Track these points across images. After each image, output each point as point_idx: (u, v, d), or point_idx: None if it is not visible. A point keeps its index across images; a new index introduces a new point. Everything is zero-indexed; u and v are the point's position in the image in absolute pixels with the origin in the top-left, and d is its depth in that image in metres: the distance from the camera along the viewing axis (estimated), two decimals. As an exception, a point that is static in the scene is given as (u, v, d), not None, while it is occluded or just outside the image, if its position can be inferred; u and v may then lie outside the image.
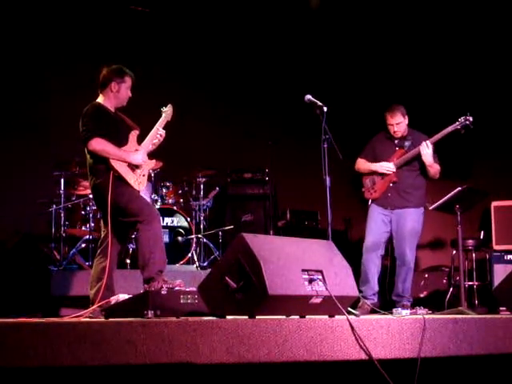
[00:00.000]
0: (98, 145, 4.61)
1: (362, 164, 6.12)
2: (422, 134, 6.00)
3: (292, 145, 8.29)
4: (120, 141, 4.75)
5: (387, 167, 5.93)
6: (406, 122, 5.99)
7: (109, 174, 4.60)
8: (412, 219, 5.89)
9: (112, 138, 4.67)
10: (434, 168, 5.87)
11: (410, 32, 8.21)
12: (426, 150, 5.75)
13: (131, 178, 4.71)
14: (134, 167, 4.76)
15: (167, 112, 5.08)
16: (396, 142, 6.03)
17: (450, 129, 5.77)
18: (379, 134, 6.15)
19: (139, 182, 4.78)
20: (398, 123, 5.93)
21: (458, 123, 5.75)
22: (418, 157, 5.87)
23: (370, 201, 6.05)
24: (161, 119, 5.04)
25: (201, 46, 8.28)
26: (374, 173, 6.04)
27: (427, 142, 5.76)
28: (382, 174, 5.98)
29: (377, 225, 5.94)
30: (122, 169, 4.66)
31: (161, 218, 4.92)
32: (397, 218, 5.91)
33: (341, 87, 8.30)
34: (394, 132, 5.98)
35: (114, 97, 4.83)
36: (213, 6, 8.28)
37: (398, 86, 8.15)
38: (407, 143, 5.98)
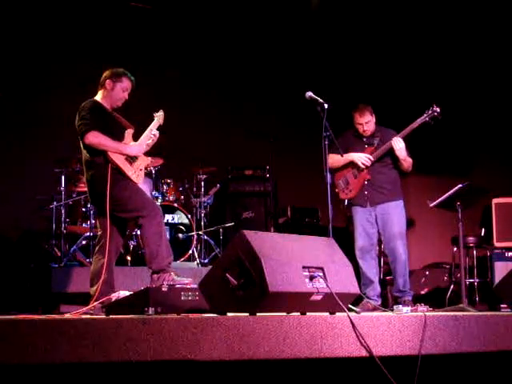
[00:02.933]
0: (95, 138, 4.62)
1: (336, 158, 5.81)
2: (389, 129, 5.98)
3: (293, 142, 8.29)
4: (115, 137, 4.76)
5: (366, 159, 5.82)
6: (374, 120, 5.96)
7: (107, 166, 4.63)
8: (396, 213, 5.84)
9: (108, 133, 4.69)
10: (407, 162, 5.84)
11: (411, 29, 8.21)
12: (399, 145, 5.72)
13: (129, 170, 4.73)
14: (131, 160, 4.78)
15: (159, 116, 5.10)
16: (365, 139, 5.98)
17: (418, 121, 5.73)
18: (346, 132, 6.09)
19: (137, 175, 4.79)
20: (367, 122, 5.90)
21: (425, 115, 5.71)
22: (389, 152, 5.84)
23: (346, 201, 6.01)
24: (153, 122, 5.06)
25: (202, 43, 8.28)
26: (346, 172, 5.97)
27: (398, 138, 5.74)
28: (355, 172, 5.91)
29: (364, 227, 5.87)
30: (120, 161, 4.68)
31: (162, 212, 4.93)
32: (381, 215, 5.85)
33: (342, 84, 8.30)
34: (364, 131, 5.94)
35: (108, 95, 4.86)
36: (214, 4, 8.27)
37: (398, 83, 8.15)
38: (376, 141, 5.94)
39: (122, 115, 5.03)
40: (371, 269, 5.83)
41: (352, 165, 5.93)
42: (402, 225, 5.85)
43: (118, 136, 4.81)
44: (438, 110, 5.69)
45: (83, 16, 7.72)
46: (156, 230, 4.62)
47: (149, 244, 4.63)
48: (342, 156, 5.64)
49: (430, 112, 5.71)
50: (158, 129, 5.04)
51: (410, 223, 7.97)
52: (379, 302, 5.80)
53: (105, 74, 4.88)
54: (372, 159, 5.86)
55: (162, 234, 4.66)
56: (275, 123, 8.30)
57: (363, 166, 5.86)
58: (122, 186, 4.66)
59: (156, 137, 5.02)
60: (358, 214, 5.94)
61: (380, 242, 6.08)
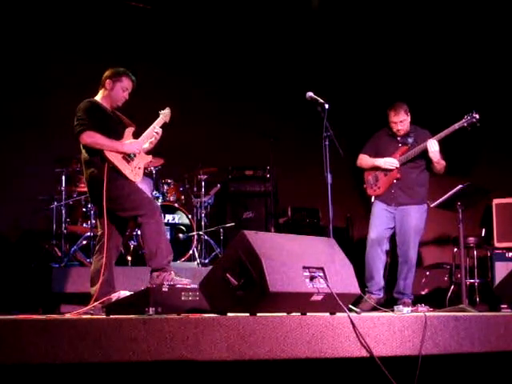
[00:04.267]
0: (89, 138, 4.63)
1: (365, 159, 6.08)
2: (424, 129, 6.00)
3: (293, 142, 8.29)
4: (114, 136, 4.75)
5: (391, 163, 5.90)
6: (409, 119, 5.97)
7: (104, 165, 4.62)
8: (416, 217, 5.87)
9: (106, 132, 4.68)
10: (440, 164, 5.86)
11: (412, 28, 8.20)
12: (434, 148, 5.73)
13: (126, 169, 4.71)
14: (128, 159, 4.76)
15: (164, 114, 5.08)
16: (399, 138, 6.01)
17: (456, 126, 5.73)
18: (381, 130, 6.12)
19: (135, 174, 4.77)
20: (402, 121, 5.92)
21: (464, 120, 5.71)
22: (422, 153, 5.85)
23: (373, 197, 6.04)
24: (158, 120, 5.04)
25: (202, 43, 8.27)
26: (376, 169, 6.01)
27: (434, 140, 5.75)
28: (385, 171, 5.95)
29: (381, 220, 5.91)
30: (116, 160, 4.67)
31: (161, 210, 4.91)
32: (401, 215, 5.89)
33: (342, 84, 8.30)
34: (397, 130, 5.96)
35: (107, 95, 4.85)
36: (214, 3, 8.27)
37: (399, 82, 8.15)
38: (410, 140, 5.97)
39: (123, 114, 5.02)
40: (378, 262, 5.86)
41: None
42: (418, 229, 5.89)
43: (117, 135, 4.79)
44: (478, 116, 5.68)
45: (83, 16, 7.71)
46: (155, 229, 4.60)
47: (148, 243, 4.62)
48: (342, 155, 5.64)
49: (468, 118, 5.70)
50: (162, 126, 5.02)
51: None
52: (381, 296, 5.82)
53: (105, 74, 4.88)
54: (397, 164, 5.88)
55: (161, 233, 4.65)
56: (276, 123, 8.30)
57: (392, 168, 5.90)
58: (119, 185, 4.65)
59: (159, 135, 4.99)
60: (378, 207, 5.97)
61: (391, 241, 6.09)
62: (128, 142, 4.81)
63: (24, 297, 5.96)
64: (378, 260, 5.86)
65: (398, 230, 5.91)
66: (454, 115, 5.89)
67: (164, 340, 2.99)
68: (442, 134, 5.78)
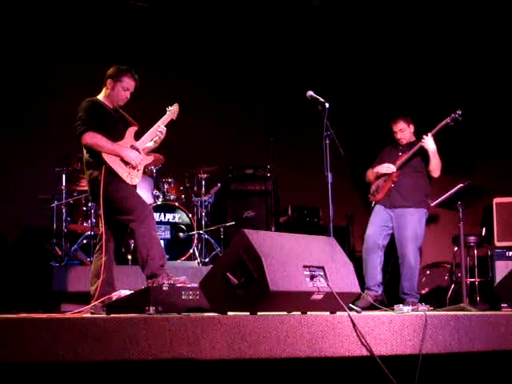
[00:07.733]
0: (91, 139, 4.60)
1: (370, 172, 6.31)
2: None
3: (294, 141, 8.29)
4: (116, 136, 4.72)
5: (388, 166, 6.09)
6: (411, 130, 6.19)
7: (102, 167, 4.60)
8: (412, 219, 5.94)
9: (107, 132, 4.65)
10: (436, 158, 5.94)
11: (413, 26, 8.20)
12: (426, 138, 5.86)
13: (123, 172, 4.67)
14: (127, 161, 4.75)
15: (172, 110, 5.03)
16: (400, 148, 6.20)
17: (443, 123, 5.89)
18: (386, 146, 6.34)
19: (131, 177, 4.73)
20: (401, 130, 6.13)
21: (448, 118, 5.87)
22: (420, 157, 6.00)
23: (374, 203, 6.20)
24: (164, 117, 4.99)
25: (202, 42, 8.27)
26: (379, 178, 6.18)
27: (428, 134, 5.89)
28: (385, 177, 6.12)
29: (378, 218, 6.06)
30: (114, 163, 4.63)
31: (154, 213, 4.87)
32: (397, 218, 5.99)
33: (343, 83, 8.30)
34: (399, 139, 6.17)
35: (109, 94, 4.82)
36: (213, 2, 8.26)
37: (399, 81, 8.15)
38: (411, 150, 6.08)
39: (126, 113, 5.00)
40: (374, 257, 5.96)
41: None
42: (415, 231, 5.94)
43: (119, 134, 4.77)
44: (460, 112, 5.85)
45: (84, 15, 7.71)
46: (145, 234, 4.56)
47: (140, 249, 4.58)
48: (342, 154, 5.67)
49: (453, 115, 5.86)
50: (169, 123, 4.97)
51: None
52: (379, 292, 5.88)
53: (108, 72, 4.84)
54: (394, 169, 6.05)
55: (152, 237, 4.59)
56: (276, 122, 8.29)
57: (388, 171, 6.08)
58: (114, 188, 4.61)
59: (163, 134, 4.93)
60: (378, 209, 6.12)
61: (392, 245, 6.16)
62: (129, 150, 4.75)
63: (24, 296, 5.96)
64: (374, 255, 5.96)
65: (395, 233, 6.03)
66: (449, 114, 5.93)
67: (164, 339, 3.00)
68: (433, 132, 5.92)
